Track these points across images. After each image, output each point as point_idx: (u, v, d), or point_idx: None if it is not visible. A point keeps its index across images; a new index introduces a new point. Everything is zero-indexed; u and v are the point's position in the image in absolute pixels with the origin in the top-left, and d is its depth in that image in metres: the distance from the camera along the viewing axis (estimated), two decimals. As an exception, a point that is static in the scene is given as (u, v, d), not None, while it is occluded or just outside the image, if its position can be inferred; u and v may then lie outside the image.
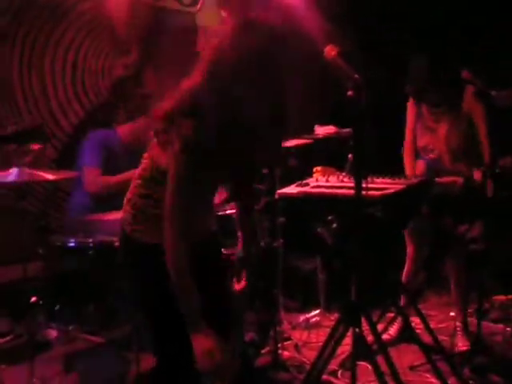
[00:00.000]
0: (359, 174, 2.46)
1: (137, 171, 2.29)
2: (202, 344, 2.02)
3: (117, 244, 3.22)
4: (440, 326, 4.01)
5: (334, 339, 2.75)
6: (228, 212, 3.51)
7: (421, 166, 3.77)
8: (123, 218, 2.29)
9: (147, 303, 2.31)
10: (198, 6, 4.91)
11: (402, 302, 3.74)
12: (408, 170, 3.83)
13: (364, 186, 2.50)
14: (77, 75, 4.31)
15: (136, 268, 2.29)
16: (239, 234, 2.53)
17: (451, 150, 3.65)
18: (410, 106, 3.82)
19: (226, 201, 3.81)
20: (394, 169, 3.79)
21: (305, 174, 3.47)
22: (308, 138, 4.31)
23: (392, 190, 2.76)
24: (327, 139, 4.56)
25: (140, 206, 2.23)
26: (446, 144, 3.65)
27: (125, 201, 2.29)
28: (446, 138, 3.65)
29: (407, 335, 3.61)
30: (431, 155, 3.73)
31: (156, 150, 2.17)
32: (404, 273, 3.83)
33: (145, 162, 2.27)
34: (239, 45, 2.01)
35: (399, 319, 3.73)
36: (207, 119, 2.00)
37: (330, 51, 2.53)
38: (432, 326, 3.71)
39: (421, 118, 3.76)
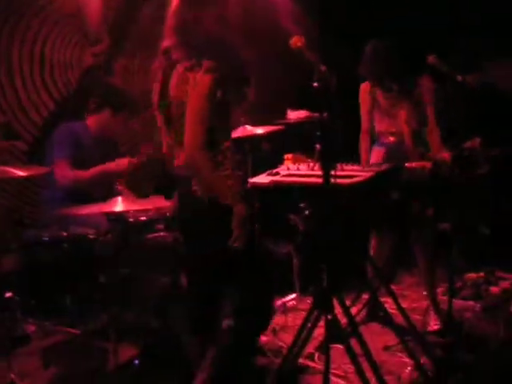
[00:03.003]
0: (327, 164, 2.49)
1: None
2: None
3: (91, 236, 3.26)
4: (414, 305, 4.10)
5: (309, 324, 2.80)
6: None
7: (379, 152, 3.83)
8: None
9: None
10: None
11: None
12: (363, 155, 3.89)
13: (333, 174, 2.55)
14: (45, 66, 4.25)
15: None
16: None
17: (413, 132, 3.72)
18: (363, 90, 3.86)
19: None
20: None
21: (277, 159, 3.50)
22: (280, 124, 4.32)
23: (361, 178, 2.78)
24: (299, 123, 4.57)
25: None
26: (408, 126, 3.72)
27: None
28: (407, 120, 3.72)
29: (381, 316, 3.67)
30: (391, 138, 3.78)
31: None
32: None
33: None
34: None
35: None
36: None
37: (296, 42, 2.55)
38: (406, 305, 3.79)
39: (376, 102, 3.81)
